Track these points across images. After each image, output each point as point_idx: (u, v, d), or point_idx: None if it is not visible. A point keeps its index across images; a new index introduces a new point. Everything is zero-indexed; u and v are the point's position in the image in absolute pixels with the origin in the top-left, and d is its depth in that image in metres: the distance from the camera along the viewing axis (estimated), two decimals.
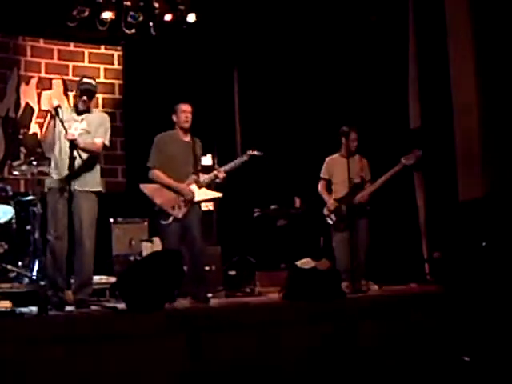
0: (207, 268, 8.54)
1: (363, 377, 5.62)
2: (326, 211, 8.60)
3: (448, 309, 6.26)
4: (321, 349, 5.66)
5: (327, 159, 8.74)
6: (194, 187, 7.64)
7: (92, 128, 7.17)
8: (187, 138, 7.77)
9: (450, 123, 8.59)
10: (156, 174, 7.64)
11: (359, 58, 10.14)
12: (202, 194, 7.68)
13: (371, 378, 5.63)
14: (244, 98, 11.63)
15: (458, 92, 8.51)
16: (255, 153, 8.01)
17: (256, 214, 9.80)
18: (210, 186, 7.82)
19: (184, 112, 7.70)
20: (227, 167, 7.79)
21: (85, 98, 7.16)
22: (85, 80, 7.25)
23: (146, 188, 7.72)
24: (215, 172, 7.78)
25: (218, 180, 7.77)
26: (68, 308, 6.78)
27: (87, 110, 7.23)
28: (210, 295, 7.78)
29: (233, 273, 9.20)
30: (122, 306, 6.67)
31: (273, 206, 9.68)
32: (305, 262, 7.45)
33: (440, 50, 8.87)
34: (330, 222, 8.55)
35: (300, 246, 8.50)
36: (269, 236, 9.68)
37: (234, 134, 11.44)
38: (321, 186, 8.71)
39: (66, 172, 6.83)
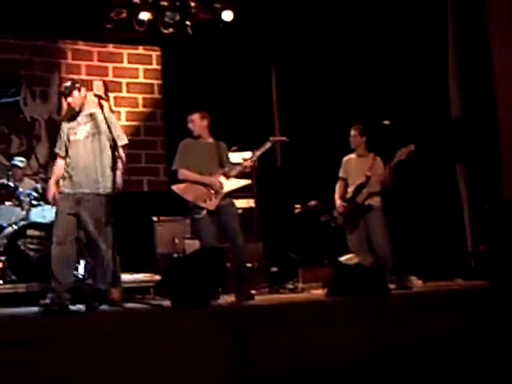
0: (249, 265, 8.56)
1: (414, 374, 5.59)
2: (335, 212, 8.59)
3: (494, 304, 6.19)
4: (367, 346, 5.64)
5: (344, 159, 8.73)
6: (222, 179, 7.68)
7: (100, 126, 7.19)
8: (210, 140, 7.87)
9: (492, 113, 8.49)
10: (183, 172, 7.77)
11: (397, 50, 10.06)
12: (230, 185, 7.70)
13: (419, 375, 5.60)
14: (282, 95, 11.63)
15: (500, 81, 8.40)
16: (278, 138, 8.02)
17: (298, 210, 9.79)
18: (239, 176, 7.83)
19: (189, 122, 7.86)
20: (253, 155, 7.80)
21: (66, 100, 7.28)
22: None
23: (177, 188, 7.84)
24: (242, 162, 7.79)
25: (246, 170, 7.79)
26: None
27: (80, 110, 7.33)
28: (253, 292, 7.80)
29: (275, 269, 9.19)
30: (167, 303, 6.72)
31: (314, 202, 9.66)
32: (349, 258, 7.44)
33: (480, 38, 8.77)
34: (333, 224, 8.57)
35: (343, 241, 8.45)
36: (311, 232, 9.66)
37: (273, 131, 11.42)
38: (337, 186, 8.69)
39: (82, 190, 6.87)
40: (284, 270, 9.16)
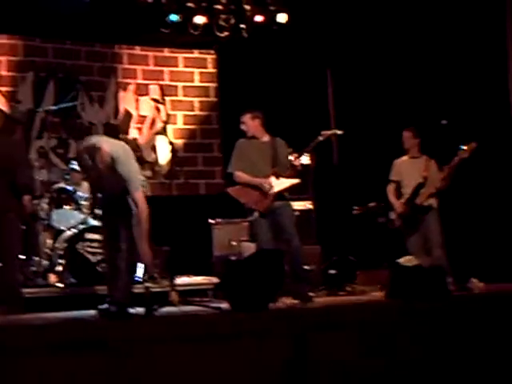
0: (307, 267, 8.53)
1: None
2: (392, 215, 8.49)
3: None
4: (429, 348, 5.58)
5: (395, 161, 8.63)
6: (272, 179, 7.68)
7: None
8: (265, 139, 7.87)
9: None
10: (237, 175, 7.84)
11: (455, 49, 9.93)
12: (279, 184, 7.70)
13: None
14: (338, 99, 11.56)
15: None
16: (330, 132, 7.99)
17: (355, 212, 9.72)
18: (292, 176, 7.84)
19: (241, 124, 7.89)
20: (303, 151, 7.77)
21: None
22: None
23: (231, 190, 7.94)
24: (292, 160, 7.77)
25: (298, 168, 7.76)
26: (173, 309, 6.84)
27: None
28: (312, 294, 7.77)
29: (333, 272, 9.14)
30: (225, 306, 6.72)
31: (372, 203, 9.58)
32: (408, 260, 7.36)
33: None
34: (390, 226, 8.48)
35: (402, 243, 8.37)
36: (369, 234, 9.58)
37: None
38: (389, 189, 8.59)
39: None
40: (342, 272, 9.11)
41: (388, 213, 8.60)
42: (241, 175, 7.79)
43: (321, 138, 7.85)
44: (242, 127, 7.87)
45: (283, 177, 7.72)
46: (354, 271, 9.11)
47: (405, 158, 8.58)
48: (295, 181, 7.84)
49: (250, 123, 7.82)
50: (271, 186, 7.65)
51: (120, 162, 6.65)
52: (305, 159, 8.62)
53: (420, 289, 6.60)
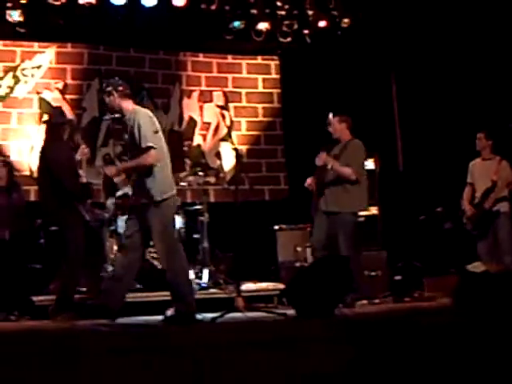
0: (373, 273, 8.48)
1: None
2: (464, 218, 8.38)
3: None
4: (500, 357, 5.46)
5: (470, 163, 8.51)
6: None
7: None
8: (342, 143, 7.94)
9: None
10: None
11: None
12: None
13: None
14: (402, 102, 11.45)
15: None
16: None
17: (422, 218, 9.62)
18: None
19: (328, 125, 7.96)
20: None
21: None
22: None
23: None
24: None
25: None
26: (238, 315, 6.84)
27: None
28: (376, 301, 7.73)
29: (399, 278, 9.04)
30: (291, 312, 6.70)
31: (438, 209, 9.46)
32: (476, 266, 7.24)
33: None
34: (468, 227, 8.35)
35: (469, 249, 8.25)
36: (435, 240, 9.47)
37: (395, 138, 11.27)
38: (465, 192, 8.47)
39: None
40: (408, 278, 9.01)
41: (459, 217, 8.49)
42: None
43: None
44: (329, 129, 7.95)
45: None
46: (421, 277, 8.99)
47: (478, 160, 8.50)
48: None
49: (337, 126, 7.92)
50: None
51: None
52: (370, 164, 8.60)
53: (489, 295, 6.47)
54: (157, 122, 6.77)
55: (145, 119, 6.65)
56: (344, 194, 7.72)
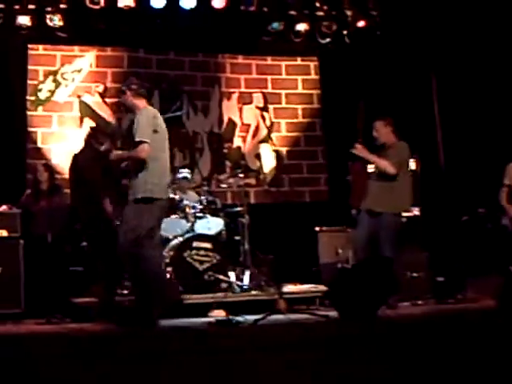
0: (415, 275, 8.42)
1: None
2: (504, 220, 8.26)
3: None
4: None
5: (508, 165, 8.39)
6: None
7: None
8: (389, 145, 7.88)
9: None
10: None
11: None
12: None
13: None
14: (443, 101, 11.35)
15: None
16: None
17: (464, 218, 9.52)
18: None
19: (373, 130, 7.89)
20: None
21: None
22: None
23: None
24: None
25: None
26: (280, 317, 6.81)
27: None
28: (419, 302, 7.67)
29: (441, 279, 8.95)
30: (333, 314, 6.66)
31: (481, 209, 9.36)
32: None
33: None
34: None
35: None
36: (478, 240, 9.36)
37: (436, 138, 11.17)
38: (501, 193, 8.34)
39: None
40: (451, 280, 8.91)
41: (500, 218, 8.38)
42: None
43: None
44: (374, 134, 7.86)
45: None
46: (464, 279, 8.90)
47: None
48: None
49: (383, 130, 7.84)
50: None
51: None
52: (411, 164, 8.54)
53: None
54: (161, 124, 6.79)
55: (145, 117, 6.70)
56: (387, 194, 7.62)
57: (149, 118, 6.69)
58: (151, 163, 6.60)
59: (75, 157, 7.65)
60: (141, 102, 6.84)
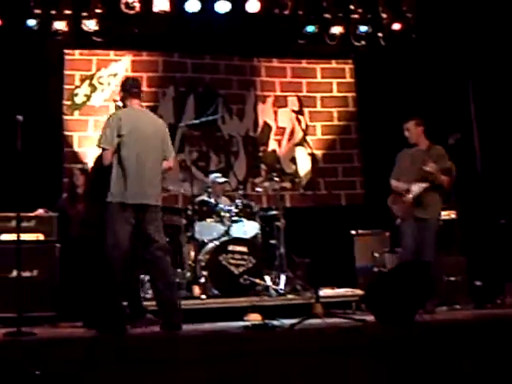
0: (452, 279, 8.34)
1: None
2: None
3: None
4: None
5: None
6: (413, 185, 7.72)
7: None
8: (423, 147, 7.90)
9: None
10: (391, 183, 7.94)
11: None
12: (413, 191, 7.72)
13: None
14: (479, 103, 11.23)
15: None
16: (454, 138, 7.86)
17: (502, 222, 9.41)
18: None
19: (405, 130, 7.93)
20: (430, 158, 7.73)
21: None
22: None
23: (388, 199, 7.98)
24: (423, 167, 7.69)
25: (428, 172, 7.69)
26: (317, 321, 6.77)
27: None
28: (457, 307, 7.60)
29: (479, 284, 8.86)
30: (370, 318, 6.60)
31: None
32: None
33: None
34: None
35: None
36: None
37: (472, 141, 11.07)
38: None
39: None
40: (489, 284, 8.82)
41: None
42: (393, 183, 7.93)
43: (451, 141, 7.70)
44: (406, 134, 7.91)
45: (419, 182, 7.72)
46: (502, 283, 8.79)
47: None
48: (424, 185, 7.70)
49: (414, 130, 7.89)
50: (408, 191, 7.71)
51: None
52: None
53: None
54: (131, 125, 6.62)
55: (111, 120, 6.66)
56: (432, 200, 7.72)
57: (112, 122, 6.61)
58: (116, 168, 6.57)
59: (99, 158, 7.66)
60: (131, 102, 6.80)
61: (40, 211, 8.31)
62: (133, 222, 6.60)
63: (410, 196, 7.67)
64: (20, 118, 6.85)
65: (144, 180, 6.60)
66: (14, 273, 7.59)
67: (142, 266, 7.08)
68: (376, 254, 9.21)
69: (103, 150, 6.58)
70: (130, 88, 6.86)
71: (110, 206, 6.54)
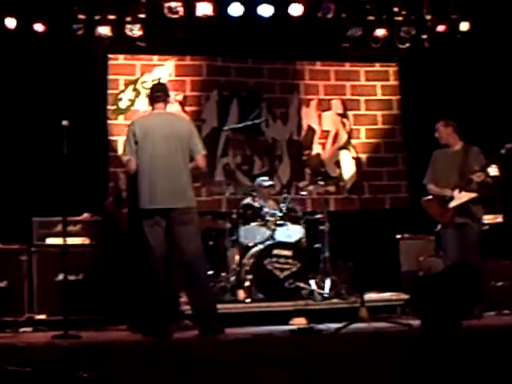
0: (499, 284, 8.26)
1: None
2: None
3: None
4: None
5: None
6: (455, 192, 7.67)
7: None
8: (457, 147, 7.89)
9: None
10: (428, 187, 7.96)
11: None
12: (459, 198, 7.66)
13: None
14: None
15: None
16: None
17: None
18: (479, 189, 7.68)
19: (436, 132, 7.98)
20: (484, 166, 7.65)
21: None
22: None
23: (422, 202, 8.03)
24: (471, 176, 7.61)
25: (477, 181, 7.59)
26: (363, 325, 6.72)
27: None
28: (505, 312, 7.51)
29: None
30: (416, 322, 6.55)
31: None
32: None
33: None
34: None
35: None
36: None
37: None
38: None
39: None
40: None
41: None
42: (431, 187, 7.91)
43: (503, 151, 7.61)
44: (436, 135, 7.97)
45: (467, 190, 7.65)
46: None
47: None
48: (472, 195, 7.64)
49: (443, 130, 7.92)
50: (451, 199, 7.66)
51: None
52: (493, 171, 8.36)
53: None
54: (143, 131, 6.74)
55: (128, 129, 6.87)
56: (474, 206, 7.68)
57: (129, 133, 6.78)
58: (138, 175, 6.71)
59: None
60: (156, 106, 6.94)
61: (85, 215, 8.38)
62: (163, 225, 6.66)
63: (455, 204, 7.62)
64: (66, 122, 6.93)
65: (161, 183, 6.66)
66: (61, 276, 7.69)
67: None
68: (421, 258, 9.14)
69: (127, 160, 6.71)
70: (153, 93, 6.99)
71: (139, 211, 6.68)
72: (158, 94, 6.96)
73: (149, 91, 7.15)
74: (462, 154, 7.79)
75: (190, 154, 6.79)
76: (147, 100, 7.21)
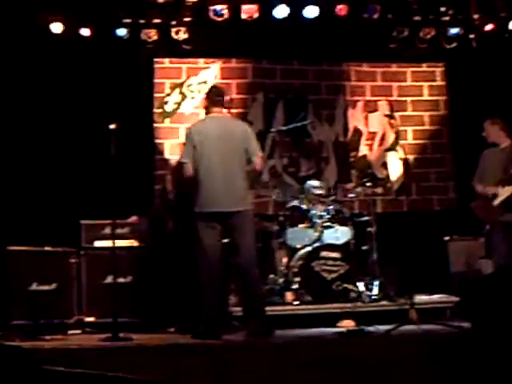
0: None
1: None
2: None
3: None
4: None
5: None
6: (499, 188, 7.59)
7: None
8: (504, 145, 7.84)
9: None
10: (474, 186, 7.89)
11: None
12: (502, 194, 7.59)
13: None
14: None
15: None
16: None
17: None
18: None
19: (483, 130, 7.93)
20: None
21: None
22: None
23: (470, 205, 7.98)
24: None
25: None
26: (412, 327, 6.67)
27: None
28: None
29: None
30: (466, 325, 6.47)
31: None
32: None
33: None
34: None
35: None
36: None
37: None
38: None
39: None
40: None
41: None
42: (478, 188, 7.84)
43: None
44: (483, 134, 7.94)
45: (510, 184, 7.56)
46: None
47: None
48: None
49: (490, 129, 7.89)
50: (495, 196, 7.59)
51: None
52: None
53: None
54: (200, 135, 6.87)
55: (186, 133, 7.05)
56: None
57: (188, 137, 6.94)
58: (195, 179, 6.82)
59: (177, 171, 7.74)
60: (215, 110, 7.01)
61: (133, 218, 8.43)
62: (218, 228, 6.68)
63: (499, 200, 7.52)
64: (113, 126, 6.99)
65: (218, 187, 6.76)
66: (109, 279, 7.73)
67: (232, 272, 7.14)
68: (471, 260, 9.04)
69: (184, 163, 6.81)
70: (212, 96, 7.03)
71: (195, 215, 6.78)
72: (219, 98, 7.06)
73: (206, 95, 7.22)
74: (508, 151, 7.73)
75: (247, 157, 6.84)
76: (203, 103, 7.29)
